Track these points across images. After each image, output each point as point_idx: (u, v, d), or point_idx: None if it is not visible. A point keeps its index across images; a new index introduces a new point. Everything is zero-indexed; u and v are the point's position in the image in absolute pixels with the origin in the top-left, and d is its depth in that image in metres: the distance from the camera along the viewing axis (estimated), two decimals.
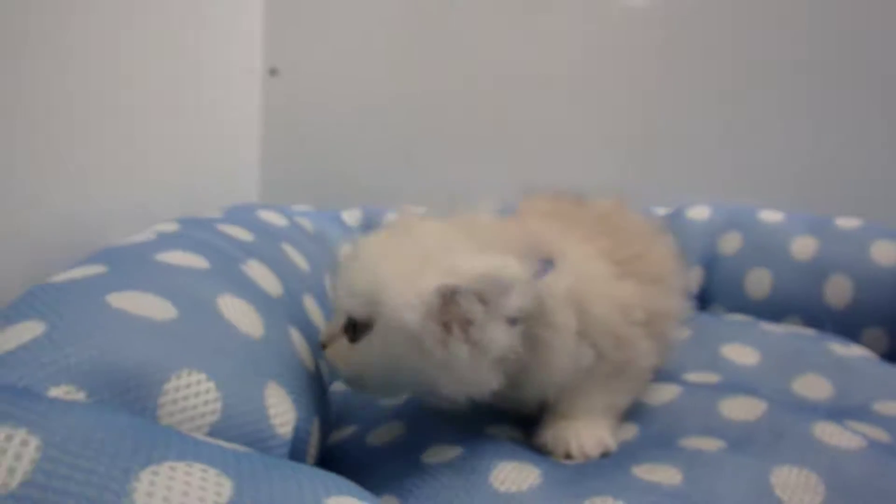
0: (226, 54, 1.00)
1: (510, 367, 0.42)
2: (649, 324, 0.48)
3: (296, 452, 0.39)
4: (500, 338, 0.40)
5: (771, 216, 0.86)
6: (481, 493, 0.40)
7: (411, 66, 1.11)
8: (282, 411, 0.37)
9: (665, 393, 0.56)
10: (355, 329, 0.42)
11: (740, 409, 0.51)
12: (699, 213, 0.90)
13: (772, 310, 0.80)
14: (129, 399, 0.30)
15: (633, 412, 0.53)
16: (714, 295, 0.85)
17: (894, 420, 0.53)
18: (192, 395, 0.32)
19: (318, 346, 0.46)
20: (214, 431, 0.33)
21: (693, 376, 0.59)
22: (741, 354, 0.63)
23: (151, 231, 0.50)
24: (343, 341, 0.43)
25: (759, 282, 0.82)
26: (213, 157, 0.96)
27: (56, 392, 0.29)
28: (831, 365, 0.62)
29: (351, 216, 0.95)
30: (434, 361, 0.39)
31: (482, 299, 0.39)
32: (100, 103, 0.70)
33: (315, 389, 0.44)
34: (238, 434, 0.34)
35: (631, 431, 0.52)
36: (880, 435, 0.50)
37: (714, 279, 0.85)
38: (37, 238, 0.59)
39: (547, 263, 0.44)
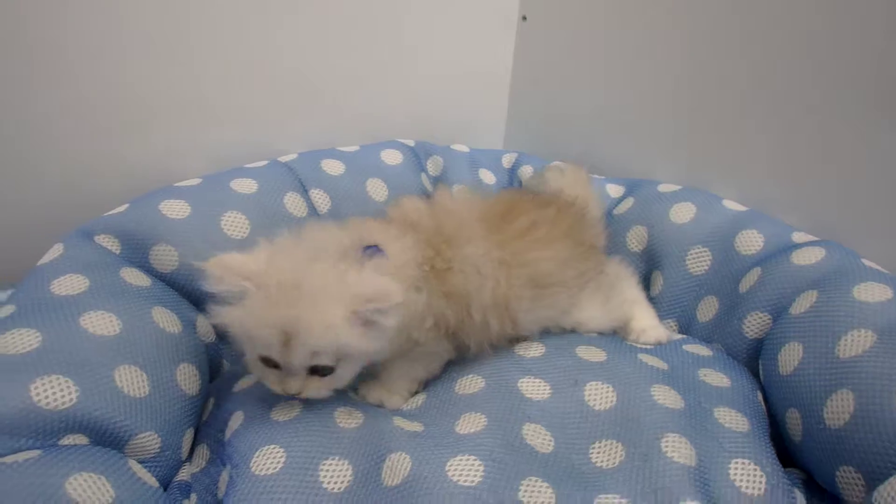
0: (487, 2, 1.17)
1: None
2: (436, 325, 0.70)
3: None
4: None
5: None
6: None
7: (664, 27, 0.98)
8: None
9: None
10: (322, 370, 0.62)
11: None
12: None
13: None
14: None
15: None
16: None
17: None
18: None
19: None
20: None
21: None
22: None
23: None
24: (315, 381, 0.63)
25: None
26: (465, 96, 1.22)
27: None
28: None
29: (508, 159, 1.16)
30: (377, 349, 0.63)
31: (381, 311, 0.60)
32: (381, 50, 1.09)
33: None
34: None
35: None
36: None
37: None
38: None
39: (373, 248, 0.66)
